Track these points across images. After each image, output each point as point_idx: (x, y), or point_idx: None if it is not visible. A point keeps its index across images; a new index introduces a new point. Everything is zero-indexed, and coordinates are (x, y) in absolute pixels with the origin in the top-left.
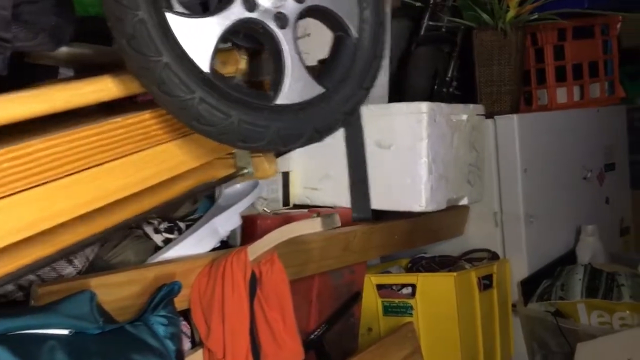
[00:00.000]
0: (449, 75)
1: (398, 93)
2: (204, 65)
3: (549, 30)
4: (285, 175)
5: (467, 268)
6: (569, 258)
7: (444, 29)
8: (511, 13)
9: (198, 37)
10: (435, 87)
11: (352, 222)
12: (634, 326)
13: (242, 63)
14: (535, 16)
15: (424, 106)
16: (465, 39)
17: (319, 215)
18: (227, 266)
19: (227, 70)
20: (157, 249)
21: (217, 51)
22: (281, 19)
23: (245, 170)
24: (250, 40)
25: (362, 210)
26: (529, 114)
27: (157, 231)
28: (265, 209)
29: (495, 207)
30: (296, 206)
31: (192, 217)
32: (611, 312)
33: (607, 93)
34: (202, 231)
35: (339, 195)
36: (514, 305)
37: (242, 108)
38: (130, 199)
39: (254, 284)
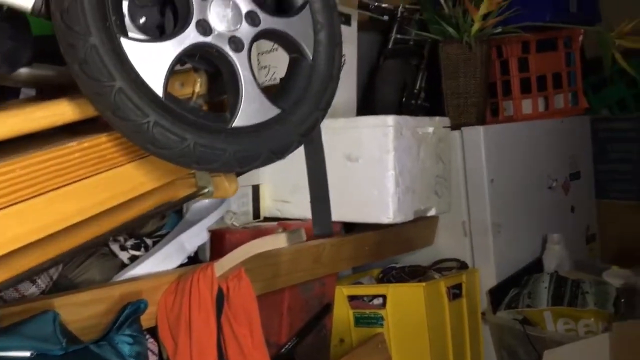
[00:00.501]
0: (417, 87)
1: (367, 106)
2: (158, 88)
3: (513, 43)
4: (256, 189)
5: (436, 278)
6: (536, 266)
7: (411, 42)
8: (476, 27)
9: (152, 62)
10: (404, 99)
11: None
12: (598, 333)
13: (198, 86)
14: (500, 30)
15: (390, 119)
16: (432, 51)
17: (284, 230)
18: (194, 282)
19: (186, 91)
20: (123, 266)
21: (172, 74)
22: (236, 43)
23: (206, 190)
24: (206, 62)
25: (323, 226)
26: (495, 125)
27: (123, 248)
28: (234, 222)
29: (463, 217)
30: (267, 219)
31: (159, 233)
32: (576, 320)
33: (571, 104)
34: (169, 247)
35: (309, 208)
36: (483, 314)
37: (198, 131)
38: (88, 221)
39: (221, 300)
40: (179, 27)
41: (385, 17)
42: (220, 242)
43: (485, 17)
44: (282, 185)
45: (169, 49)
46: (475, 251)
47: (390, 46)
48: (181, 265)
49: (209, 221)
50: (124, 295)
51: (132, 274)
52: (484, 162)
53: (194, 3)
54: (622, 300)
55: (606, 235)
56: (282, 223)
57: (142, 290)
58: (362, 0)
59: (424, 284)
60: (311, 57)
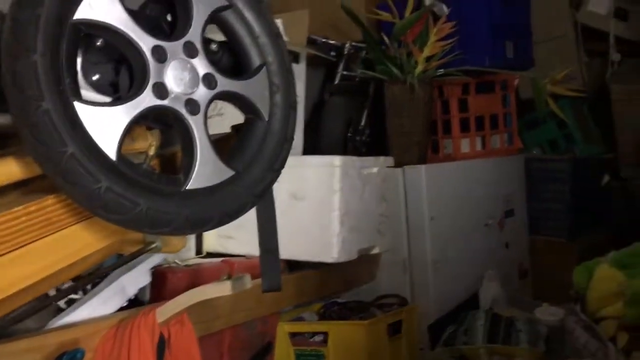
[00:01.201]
0: (362, 124)
1: (313, 140)
2: (112, 153)
3: (454, 85)
4: None
5: (377, 315)
6: (472, 302)
7: (357, 79)
8: (419, 68)
9: (106, 126)
10: (349, 135)
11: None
12: None
13: (153, 149)
14: (442, 72)
15: (337, 160)
16: (377, 89)
17: (229, 277)
18: (134, 328)
19: (137, 146)
20: (59, 310)
21: (125, 137)
22: (192, 105)
23: (154, 245)
24: (160, 122)
25: (272, 281)
26: (435, 164)
27: (58, 291)
28: (176, 260)
29: (404, 254)
30: (210, 254)
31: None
32: (510, 357)
33: (507, 144)
34: (108, 291)
35: (254, 245)
36: (421, 349)
37: (151, 195)
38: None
39: (162, 346)
40: (135, 90)
41: (333, 54)
42: (161, 281)
43: (428, 59)
44: None
45: (124, 113)
46: (414, 287)
47: (336, 82)
48: (121, 309)
49: (151, 263)
50: (60, 344)
51: (68, 319)
52: (425, 200)
53: (150, 65)
54: (552, 338)
55: (538, 271)
56: (225, 260)
57: (79, 337)
58: (310, 36)
59: (366, 322)
60: (267, 119)
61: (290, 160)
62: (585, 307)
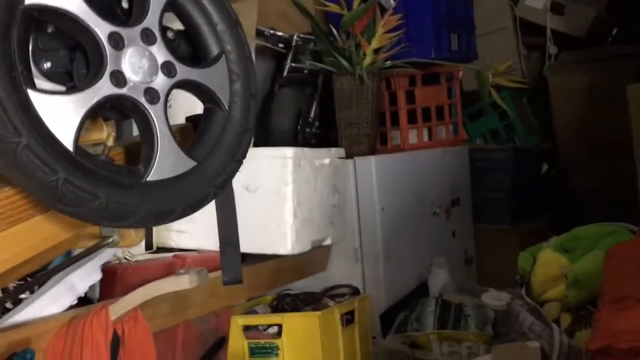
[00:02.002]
0: (312, 116)
1: (263, 133)
2: (69, 143)
3: (401, 77)
4: None
5: (330, 305)
6: (422, 289)
7: (306, 71)
8: (367, 60)
9: (62, 115)
10: (299, 127)
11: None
12: (479, 354)
13: (111, 140)
14: (389, 64)
15: (289, 151)
16: (326, 81)
17: (186, 271)
18: (87, 327)
19: (93, 137)
20: (5, 310)
21: (82, 128)
22: (152, 94)
23: (110, 239)
24: (117, 111)
25: (232, 273)
26: (385, 155)
27: (5, 291)
28: (126, 256)
29: (355, 243)
30: (160, 249)
31: (45, 270)
32: (459, 342)
33: (452, 135)
34: (58, 288)
35: (207, 238)
36: (374, 338)
37: (111, 187)
38: None
39: (116, 344)
40: (91, 78)
41: (281, 46)
42: (111, 278)
43: (376, 51)
44: None
45: (81, 102)
46: (366, 277)
47: (285, 74)
48: (70, 307)
49: (102, 259)
50: (8, 344)
51: (17, 319)
52: (375, 190)
53: (107, 53)
54: (499, 322)
55: (482, 258)
56: (177, 255)
57: (28, 337)
58: (258, 27)
59: (319, 312)
60: (227, 108)
61: None
62: (529, 291)
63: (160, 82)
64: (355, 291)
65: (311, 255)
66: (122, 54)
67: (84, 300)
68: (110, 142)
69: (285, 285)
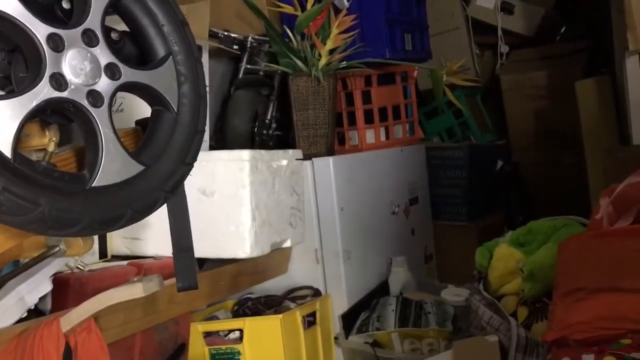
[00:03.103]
0: (269, 117)
1: (219, 136)
2: (7, 150)
3: (357, 77)
4: None
5: (292, 308)
6: (383, 289)
7: (261, 73)
8: (323, 61)
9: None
10: (256, 129)
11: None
12: (440, 350)
13: (53, 145)
14: (345, 64)
15: (245, 154)
16: (282, 82)
17: (140, 278)
18: (37, 340)
19: (34, 143)
20: None
21: (20, 133)
22: (95, 97)
23: (57, 249)
24: (59, 115)
25: (187, 279)
26: (343, 155)
27: None
28: (79, 265)
29: (315, 245)
30: (115, 257)
31: None
32: (420, 339)
33: (409, 134)
34: (5, 301)
35: (162, 245)
36: (336, 339)
37: (53, 195)
38: None
39: (68, 356)
40: (29, 81)
41: (236, 47)
42: (63, 289)
43: (331, 52)
44: None
45: (19, 106)
46: (327, 277)
47: (240, 76)
48: (20, 320)
49: (52, 269)
50: None
51: None
52: (334, 191)
53: (46, 54)
54: (459, 318)
55: (442, 255)
56: (132, 262)
57: None
58: (212, 29)
59: (280, 316)
60: (175, 110)
61: (198, 155)
62: (487, 286)
63: (103, 84)
64: (316, 292)
65: (271, 258)
66: (62, 56)
67: (35, 313)
68: (51, 148)
69: (245, 289)
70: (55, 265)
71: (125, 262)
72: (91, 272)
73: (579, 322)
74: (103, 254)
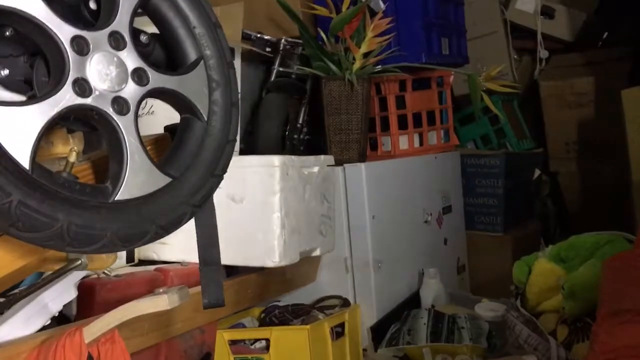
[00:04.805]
0: (300, 121)
1: (250, 139)
2: (25, 161)
3: (391, 82)
4: None
5: (320, 318)
6: (414, 300)
7: (294, 76)
8: (357, 65)
9: (18, 128)
10: (287, 133)
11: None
12: None
13: (74, 156)
14: (379, 68)
15: (276, 160)
16: (314, 85)
17: (166, 290)
18: (59, 350)
19: (56, 151)
20: None
21: (40, 142)
22: (120, 104)
23: (78, 262)
24: (82, 123)
25: (213, 296)
26: (375, 162)
27: None
28: (105, 271)
29: (345, 253)
30: (142, 262)
31: (16, 290)
32: (453, 355)
33: (443, 140)
34: (29, 309)
35: (190, 251)
36: (364, 351)
37: (73, 209)
38: None
39: None
40: (52, 86)
41: (268, 50)
42: (89, 295)
43: (365, 55)
44: None
45: (39, 114)
46: (356, 287)
47: (272, 79)
48: (44, 328)
49: (77, 276)
50: None
51: None
52: (365, 198)
53: (70, 58)
54: (494, 334)
55: (475, 266)
56: (159, 268)
57: None
58: (245, 31)
59: (308, 326)
60: (205, 118)
61: None
62: (525, 302)
63: (130, 90)
64: (345, 302)
65: (300, 267)
66: (86, 60)
67: (60, 318)
68: (72, 158)
69: (273, 298)
70: (80, 273)
71: (152, 268)
72: (117, 277)
73: (626, 345)
74: (130, 258)
